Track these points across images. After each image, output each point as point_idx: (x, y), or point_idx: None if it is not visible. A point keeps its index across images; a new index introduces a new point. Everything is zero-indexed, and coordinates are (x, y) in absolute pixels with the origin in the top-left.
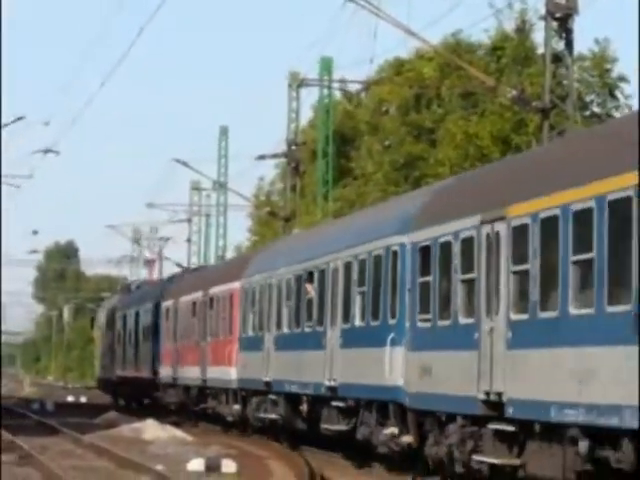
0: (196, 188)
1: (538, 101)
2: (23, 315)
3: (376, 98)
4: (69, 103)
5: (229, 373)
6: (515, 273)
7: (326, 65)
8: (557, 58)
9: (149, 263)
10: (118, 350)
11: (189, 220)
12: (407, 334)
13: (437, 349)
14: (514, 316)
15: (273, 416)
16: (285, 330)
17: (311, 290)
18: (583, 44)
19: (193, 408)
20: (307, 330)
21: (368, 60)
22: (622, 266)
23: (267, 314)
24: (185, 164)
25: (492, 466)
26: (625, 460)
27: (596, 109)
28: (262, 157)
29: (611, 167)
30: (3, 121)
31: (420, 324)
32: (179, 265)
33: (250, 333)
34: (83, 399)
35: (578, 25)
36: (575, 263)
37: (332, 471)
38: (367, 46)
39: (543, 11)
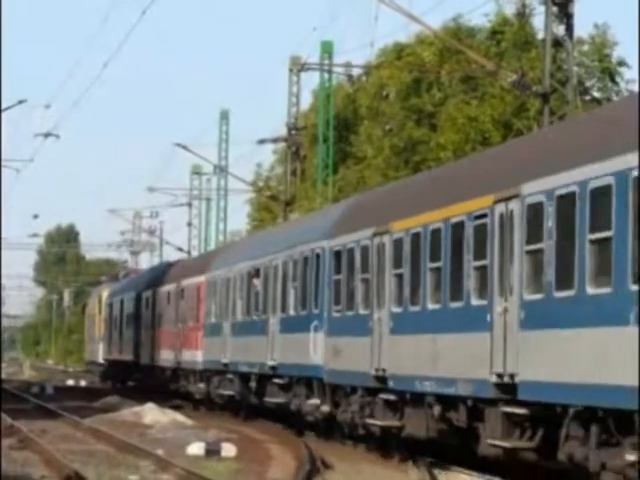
0: (197, 172)
1: (538, 85)
2: (24, 299)
3: (376, 82)
4: (70, 87)
5: (196, 356)
6: (395, 275)
7: (327, 49)
8: (557, 43)
9: (134, 254)
10: (105, 335)
11: (189, 204)
12: (326, 322)
13: (345, 335)
14: (394, 309)
15: (230, 392)
16: (239, 318)
17: (258, 284)
18: (583, 29)
19: (169, 388)
20: (255, 318)
21: (369, 44)
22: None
23: (225, 304)
24: (186, 148)
25: (382, 427)
26: (461, 419)
27: (596, 94)
28: (263, 141)
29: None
30: (4, 104)
31: (334, 314)
32: (180, 249)
33: (212, 320)
34: (83, 383)
35: (578, 9)
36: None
37: (333, 456)
38: (368, 30)
39: None
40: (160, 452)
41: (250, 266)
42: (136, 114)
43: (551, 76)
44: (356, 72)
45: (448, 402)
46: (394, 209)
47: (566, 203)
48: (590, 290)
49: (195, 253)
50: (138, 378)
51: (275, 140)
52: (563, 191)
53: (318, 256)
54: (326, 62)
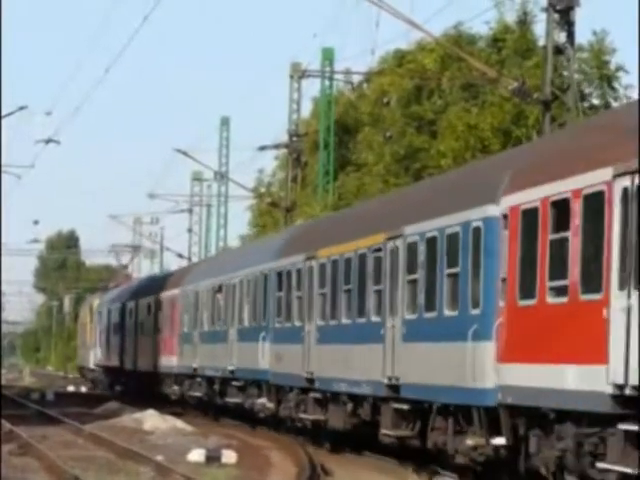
0: (197, 178)
1: (539, 93)
2: (23, 305)
3: (377, 89)
4: (71, 93)
5: (172, 361)
6: (320, 294)
7: (328, 56)
8: (558, 50)
9: (123, 267)
10: (95, 342)
11: (190, 210)
12: (271, 332)
13: (284, 343)
14: (320, 322)
15: (199, 394)
16: (206, 328)
17: (220, 298)
18: (583, 36)
19: (148, 390)
20: (218, 328)
21: (369, 51)
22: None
23: (195, 315)
24: (186, 154)
25: (312, 421)
26: (366, 414)
27: (595, 101)
28: (263, 148)
29: None
30: (5, 111)
31: (277, 325)
32: (180, 256)
33: (185, 330)
34: (83, 389)
35: (579, 17)
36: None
37: (332, 463)
38: (369, 37)
39: (545, 3)
40: (160, 458)
41: (214, 282)
42: (137, 120)
43: (551, 83)
44: (357, 79)
45: (357, 400)
46: (321, 239)
47: (432, 244)
48: (446, 312)
49: (195, 259)
50: (124, 382)
51: (276, 147)
52: (429, 234)
53: (265, 276)
54: (327, 69)
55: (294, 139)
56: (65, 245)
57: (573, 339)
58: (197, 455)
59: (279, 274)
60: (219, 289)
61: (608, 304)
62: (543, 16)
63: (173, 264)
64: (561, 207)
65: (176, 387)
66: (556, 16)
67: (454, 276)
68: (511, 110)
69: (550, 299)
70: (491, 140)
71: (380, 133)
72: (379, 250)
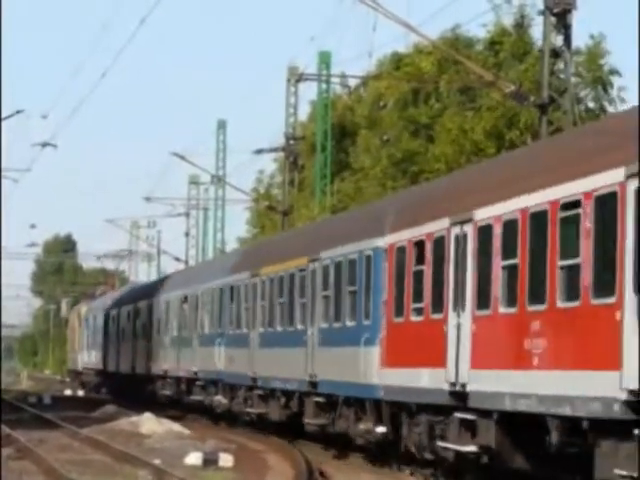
0: (194, 182)
1: (535, 96)
2: (21, 309)
3: (374, 93)
4: (67, 96)
5: (148, 364)
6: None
7: (324, 59)
8: (554, 53)
9: (111, 276)
10: (83, 347)
11: (187, 214)
12: (225, 338)
13: (235, 347)
14: (261, 329)
15: (169, 393)
16: (175, 334)
17: (186, 308)
18: (580, 39)
19: (128, 391)
20: (184, 334)
21: (366, 54)
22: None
23: (166, 323)
24: (183, 158)
25: (257, 415)
26: (294, 407)
27: (590, 104)
28: (260, 151)
29: None
30: (2, 114)
31: (230, 332)
32: (177, 259)
33: (158, 335)
34: (81, 393)
35: (576, 20)
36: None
37: (330, 466)
38: (366, 41)
39: (542, 6)
40: (158, 462)
41: (182, 294)
42: (134, 123)
43: (549, 86)
44: (354, 82)
45: (288, 395)
46: (264, 259)
47: (338, 267)
48: (348, 323)
49: (192, 263)
50: (108, 384)
51: (273, 150)
52: (337, 259)
53: (221, 289)
54: (324, 73)
55: (291, 142)
56: (62, 249)
57: (426, 348)
58: (194, 458)
59: (232, 288)
60: (185, 299)
61: (447, 321)
62: (540, 19)
63: (170, 267)
64: (420, 246)
65: (149, 387)
66: (553, 19)
67: (353, 293)
68: (505, 113)
69: (413, 317)
70: (485, 144)
71: (377, 136)
72: (303, 270)
